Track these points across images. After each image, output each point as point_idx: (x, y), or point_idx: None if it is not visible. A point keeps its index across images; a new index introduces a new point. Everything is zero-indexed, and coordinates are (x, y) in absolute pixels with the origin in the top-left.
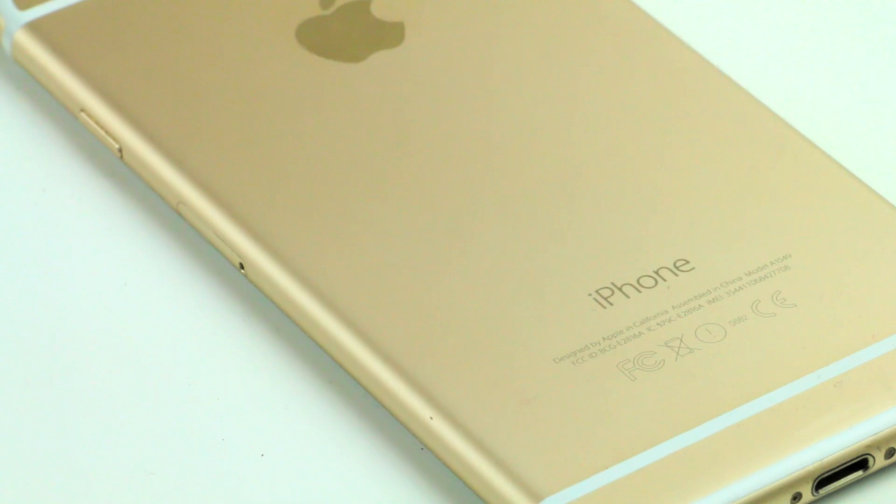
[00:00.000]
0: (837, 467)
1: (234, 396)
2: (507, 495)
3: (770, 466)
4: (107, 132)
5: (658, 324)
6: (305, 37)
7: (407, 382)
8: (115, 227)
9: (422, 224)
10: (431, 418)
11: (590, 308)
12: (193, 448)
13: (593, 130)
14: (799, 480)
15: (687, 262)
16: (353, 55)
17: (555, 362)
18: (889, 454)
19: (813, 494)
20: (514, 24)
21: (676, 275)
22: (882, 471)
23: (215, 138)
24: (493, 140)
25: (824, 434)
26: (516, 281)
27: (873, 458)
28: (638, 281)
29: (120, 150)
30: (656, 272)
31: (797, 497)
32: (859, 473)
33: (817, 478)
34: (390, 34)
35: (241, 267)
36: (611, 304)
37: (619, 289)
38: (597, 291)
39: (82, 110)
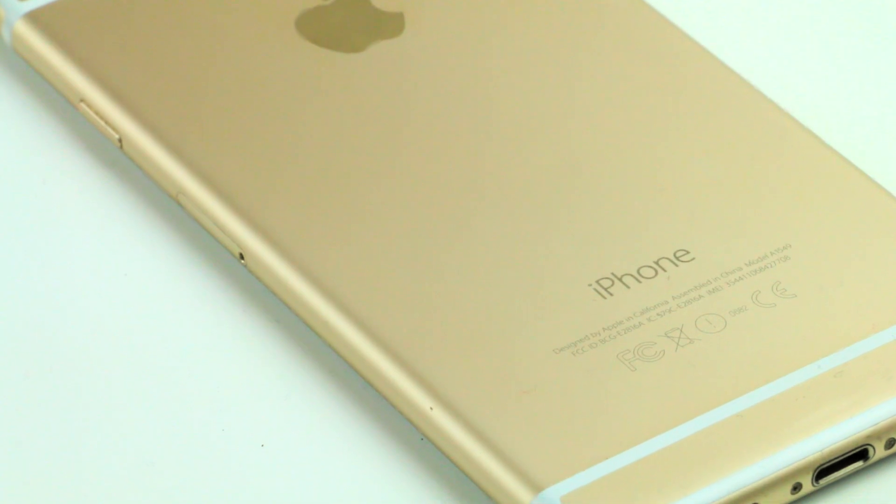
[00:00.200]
0: (838, 458)
1: (233, 387)
2: (506, 485)
3: (770, 457)
4: (107, 122)
5: (658, 314)
6: (305, 27)
7: (407, 372)
8: (115, 218)
9: (422, 214)
10: (431, 408)
11: (590, 298)
12: (193, 438)
13: (594, 121)
14: (799, 471)
15: (687, 252)
16: (353, 45)
17: (555, 353)
18: (889, 444)
19: (813, 485)
20: (514, 13)
21: (677, 265)
22: (882, 461)
23: (215, 129)
24: (493, 131)
25: (824, 424)
26: (516, 271)
27: (873, 448)
28: (638, 271)
29: (120, 141)
30: (656, 262)
31: (797, 487)
32: (859, 464)
33: (818, 468)
34: (390, 24)
35: (241, 257)
36: (611, 294)
37: (620, 279)
38: (597, 282)
39: (82, 101)
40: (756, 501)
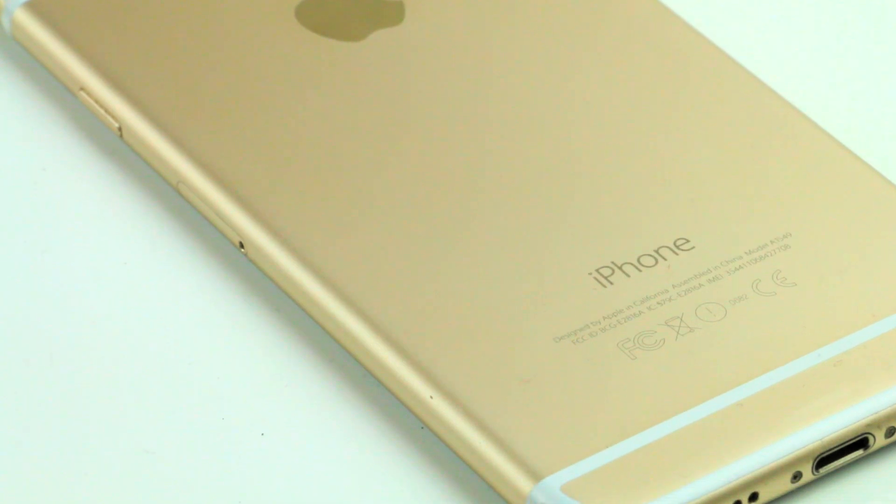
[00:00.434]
0: (838, 446)
1: (233, 375)
2: (506, 474)
3: (770, 445)
4: (106, 111)
5: (658, 303)
6: (305, 15)
7: (407, 361)
8: (114, 206)
9: (422, 203)
10: (431, 397)
11: (590, 287)
12: (193, 427)
13: (594, 110)
14: (799, 459)
15: (687, 241)
16: (353, 34)
17: (555, 341)
18: (889, 433)
19: (813, 473)
20: (514, 2)
21: (677, 254)
22: (882, 450)
23: (215, 118)
24: (493, 119)
25: (825, 413)
26: (517, 260)
27: (873, 437)
28: (638, 260)
29: (119, 129)
30: (657, 251)
31: (797, 476)
32: (860, 452)
33: (818, 457)
34: (390, 12)
35: (241, 246)
36: (611, 283)
37: (620, 268)
38: (597, 270)
39: (82, 89)
40: (756, 490)
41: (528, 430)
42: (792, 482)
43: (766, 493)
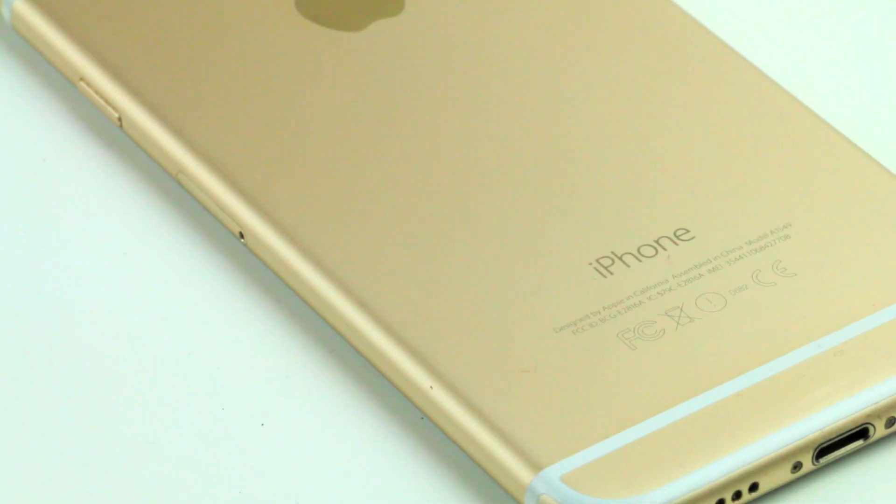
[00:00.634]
0: (838, 436)
1: (233, 366)
2: (506, 464)
3: (771, 436)
4: (106, 101)
5: (658, 293)
6: (305, 6)
7: (407, 351)
8: (114, 197)
9: (422, 194)
10: (431, 387)
11: (590, 277)
12: (193, 417)
13: (595, 100)
14: (799, 450)
15: (687, 231)
16: (353, 24)
17: (555, 331)
18: (889, 423)
19: (813, 463)
20: None
21: (677, 244)
22: (882, 440)
23: (215, 108)
24: (493, 109)
25: (825, 403)
26: (517, 250)
27: (874, 427)
28: (638, 250)
29: (119, 120)
30: (657, 241)
31: (798, 466)
32: (860, 443)
33: (818, 447)
34: (390, 3)
35: (241, 236)
36: (611, 273)
37: (620, 258)
38: (597, 261)
39: (82, 79)
40: (756, 480)
41: (529, 421)
42: (792, 472)
43: (766, 483)
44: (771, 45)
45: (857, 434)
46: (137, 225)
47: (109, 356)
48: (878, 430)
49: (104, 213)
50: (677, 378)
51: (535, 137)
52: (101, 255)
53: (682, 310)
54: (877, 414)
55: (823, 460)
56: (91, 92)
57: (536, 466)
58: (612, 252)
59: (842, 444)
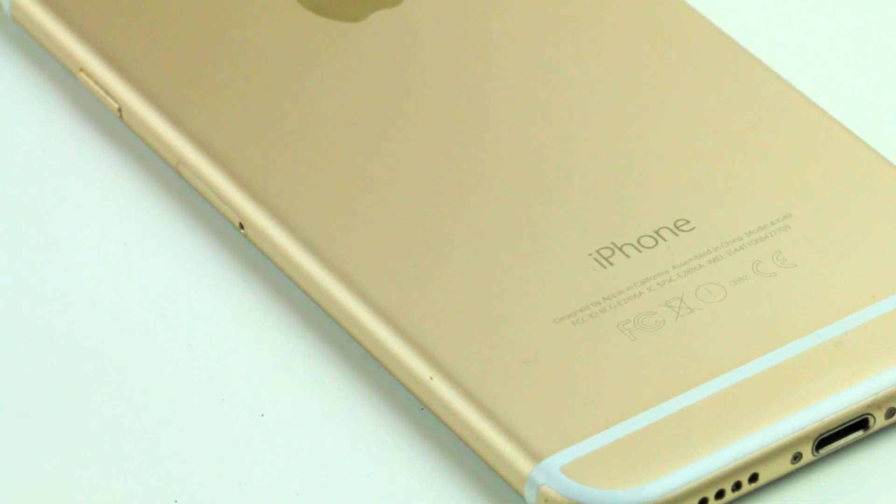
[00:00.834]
0: (838, 427)
1: (233, 357)
2: (506, 455)
3: (770, 426)
4: (106, 92)
5: (658, 284)
6: None
7: (407, 342)
8: (114, 187)
9: (422, 184)
10: (431, 378)
11: (590, 268)
12: (193, 408)
13: (595, 91)
14: (799, 440)
15: (687, 221)
16: (353, 15)
17: (555, 322)
18: (889, 414)
19: (813, 454)
20: None
21: (677, 235)
22: (882, 431)
23: (215, 98)
24: (494, 100)
25: (825, 394)
26: (517, 241)
27: (874, 417)
28: (638, 241)
29: (119, 110)
30: (657, 232)
31: (797, 457)
32: (860, 433)
33: (818, 438)
34: None
35: (241, 227)
36: (611, 263)
37: (620, 249)
38: (597, 251)
39: (81, 70)
40: (756, 471)
41: (529, 412)
42: (792, 463)
43: (766, 474)
44: (771, 35)
45: (857, 425)
46: (137, 216)
47: (109, 347)
48: (878, 421)
49: (104, 204)
50: (677, 369)
51: (536, 128)
52: (101, 245)
53: (682, 300)
54: (877, 404)
55: (823, 451)
56: (91, 83)
57: (536, 457)
58: (613, 243)
59: (842, 435)
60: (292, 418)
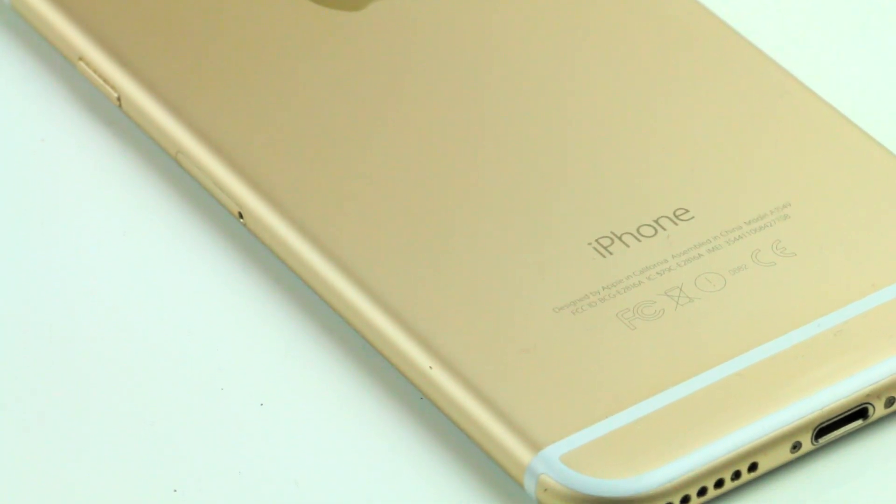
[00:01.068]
0: (837, 416)
1: (232, 346)
2: (506, 444)
3: (770, 415)
4: (105, 81)
5: (658, 273)
6: None
7: (406, 331)
8: (113, 176)
9: (422, 173)
10: (431, 367)
11: (589, 257)
12: (192, 398)
13: (595, 80)
14: (799, 429)
15: (687, 211)
16: (353, 3)
17: (554, 311)
18: (889, 403)
19: (812, 443)
20: None
21: (676, 224)
22: (882, 420)
23: (214, 87)
24: (493, 89)
25: (824, 383)
26: (516, 229)
27: (873, 407)
28: (638, 230)
29: (119, 99)
30: (656, 221)
31: (797, 446)
32: (859, 422)
33: (817, 427)
34: None
35: (240, 216)
36: (610, 253)
37: (619, 238)
38: (596, 240)
39: (81, 59)
40: (755, 460)
41: (528, 401)
42: (791, 452)
43: (765, 463)
44: (770, 24)
45: (857, 414)
46: (136, 205)
47: (108, 336)
48: (878, 410)
49: (103, 193)
50: (677, 358)
51: (536, 117)
52: (100, 234)
53: (681, 290)
54: (876, 394)
55: (823, 440)
56: (90, 71)
57: (536, 446)
58: (612, 232)
59: (841, 424)
60: (291, 408)
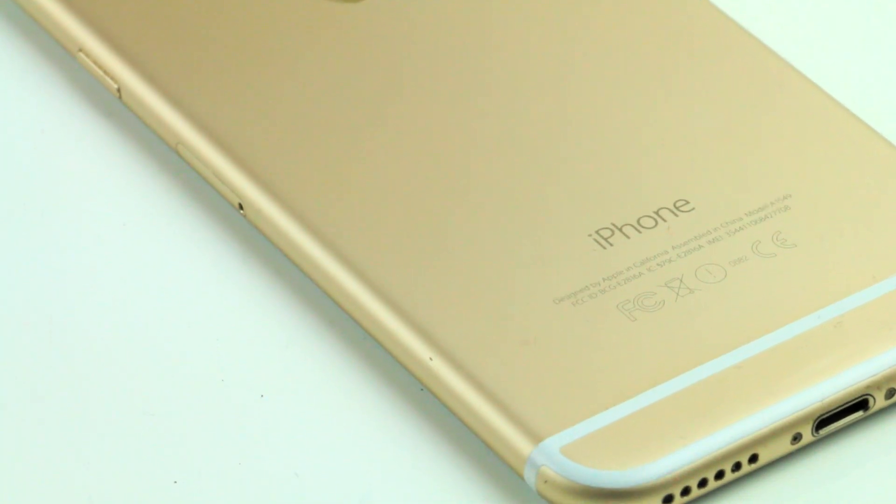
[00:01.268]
0: (838, 408)
1: (233, 338)
2: (506, 436)
3: (770, 407)
4: (105, 72)
5: (658, 264)
6: None
7: (407, 323)
8: (113, 168)
9: (421, 164)
10: (431, 359)
11: (590, 248)
12: (193, 389)
13: (595, 71)
14: (799, 421)
15: (687, 202)
16: None
17: (555, 303)
18: (889, 394)
19: (813, 435)
20: None
21: (676, 215)
22: (882, 411)
23: (214, 78)
24: (493, 80)
25: (825, 375)
26: (517, 221)
27: (873, 398)
28: (638, 221)
29: (118, 90)
30: (656, 213)
31: (797, 437)
32: (859, 414)
33: (817, 418)
34: None
35: (240, 207)
36: (611, 244)
37: (620, 229)
38: (597, 232)
39: (81, 50)
40: (756, 452)
41: (528, 392)
42: (792, 444)
43: (765, 455)
44: (771, 15)
45: (857, 405)
46: (136, 196)
47: (108, 327)
48: (878, 402)
49: (103, 185)
50: (677, 349)
51: (536, 108)
52: (100, 226)
53: (681, 281)
54: (876, 385)
55: (823, 431)
56: (90, 63)
57: (536, 438)
58: (612, 223)
59: (841, 416)
60: (292, 399)
